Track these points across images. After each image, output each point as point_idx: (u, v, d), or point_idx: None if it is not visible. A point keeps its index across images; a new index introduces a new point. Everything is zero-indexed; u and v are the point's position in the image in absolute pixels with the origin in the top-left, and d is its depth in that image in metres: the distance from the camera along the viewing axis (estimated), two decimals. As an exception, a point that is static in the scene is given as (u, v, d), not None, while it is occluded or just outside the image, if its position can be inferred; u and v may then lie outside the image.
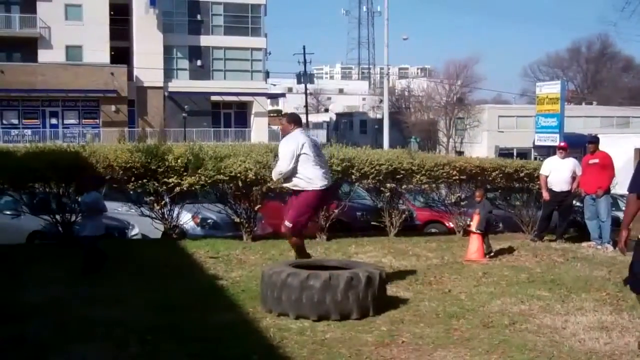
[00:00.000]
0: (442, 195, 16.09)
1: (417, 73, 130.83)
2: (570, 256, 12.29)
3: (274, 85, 74.38)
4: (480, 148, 56.74)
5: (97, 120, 53.78)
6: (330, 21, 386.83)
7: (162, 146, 13.63)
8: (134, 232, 15.01)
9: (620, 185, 16.79)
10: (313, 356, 6.25)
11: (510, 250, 12.92)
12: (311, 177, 9.16)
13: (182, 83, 56.80)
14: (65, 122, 53.44)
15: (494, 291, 9.24)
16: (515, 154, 52.26)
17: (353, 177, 14.17)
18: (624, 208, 22.12)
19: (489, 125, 63.48)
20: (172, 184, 12.83)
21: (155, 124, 54.59)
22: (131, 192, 13.58)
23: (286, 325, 7.24)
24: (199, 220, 15.53)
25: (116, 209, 15.15)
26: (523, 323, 7.52)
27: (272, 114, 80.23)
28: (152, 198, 13.18)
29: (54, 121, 53.10)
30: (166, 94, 56.24)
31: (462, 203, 15.62)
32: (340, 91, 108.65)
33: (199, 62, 58.03)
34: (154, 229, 13.92)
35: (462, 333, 7.10)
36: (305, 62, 75.21)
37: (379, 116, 67.35)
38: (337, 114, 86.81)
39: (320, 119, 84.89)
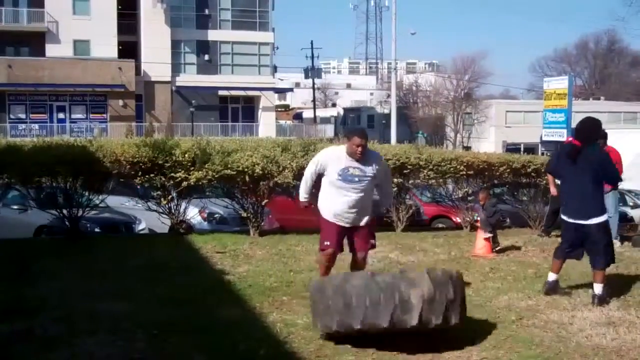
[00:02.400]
0: (449, 190, 16.08)
1: (425, 68, 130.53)
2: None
3: (282, 79, 74.22)
4: (487, 143, 56.62)
5: (105, 115, 53.78)
6: (338, 16, 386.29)
7: (169, 141, 13.65)
8: (141, 226, 15.05)
9: (628, 181, 16.76)
10: (320, 351, 6.25)
11: (517, 245, 12.91)
12: None
13: (190, 77, 56.77)
14: (73, 116, 53.45)
15: (500, 286, 9.24)
16: (522, 149, 52.27)
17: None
18: (631, 203, 22.05)
19: (497, 121, 63.40)
20: (179, 178, 12.84)
21: (162, 118, 54.61)
22: (138, 187, 13.60)
23: (293, 320, 7.24)
24: (206, 215, 15.57)
25: (123, 204, 15.20)
26: (530, 318, 7.51)
27: (279, 109, 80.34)
28: (159, 193, 13.19)
29: (61, 116, 53.12)
30: (174, 88, 56.23)
31: (469, 198, 15.60)
32: (348, 86, 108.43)
33: (206, 57, 57.99)
34: (161, 224, 13.95)
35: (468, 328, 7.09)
36: (312, 57, 75.21)
37: (386, 111, 67.26)
38: (345, 109, 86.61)
39: (327, 113, 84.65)
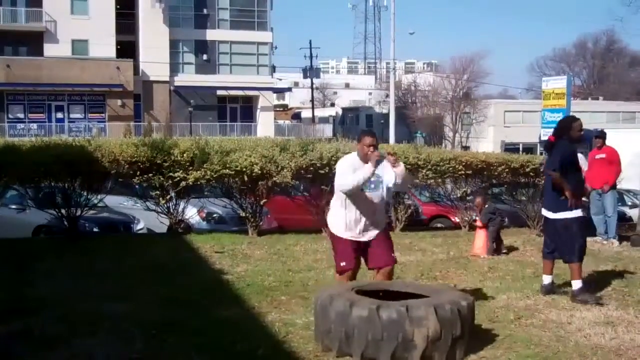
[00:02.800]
0: (448, 190, 16.08)
1: (424, 68, 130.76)
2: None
3: (280, 79, 74.16)
4: (486, 143, 56.60)
5: (103, 115, 53.73)
6: (336, 15, 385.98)
7: (167, 140, 13.65)
8: (140, 226, 15.03)
9: (627, 180, 16.76)
10: (318, 350, 6.25)
11: (515, 245, 12.91)
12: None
13: (188, 77, 56.74)
14: (71, 116, 53.39)
15: (499, 286, 9.24)
16: (521, 149, 52.25)
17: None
18: (629, 203, 21.97)
19: (495, 120, 63.40)
20: (178, 178, 12.84)
21: (161, 118, 54.55)
22: (137, 187, 13.59)
23: (291, 320, 7.24)
24: (204, 215, 15.56)
25: (122, 203, 15.20)
26: (528, 318, 7.51)
27: (278, 109, 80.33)
28: (157, 192, 13.19)
29: (59, 115, 53.06)
30: (172, 88, 56.19)
31: (467, 198, 15.60)
32: (347, 86, 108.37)
33: (205, 57, 57.96)
34: (160, 224, 13.94)
35: (467, 328, 7.08)
36: (311, 57, 75.25)
37: (385, 111, 67.27)
38: (343, 109, 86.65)
39: (326, 113, 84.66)
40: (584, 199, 15.40)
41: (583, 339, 6.75)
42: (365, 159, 7.21)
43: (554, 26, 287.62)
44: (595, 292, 8.57)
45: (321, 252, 11.58)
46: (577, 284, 8.35)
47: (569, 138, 8.53)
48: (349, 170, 7.22)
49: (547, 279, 8.75)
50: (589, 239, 13.63)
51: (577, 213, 8.48)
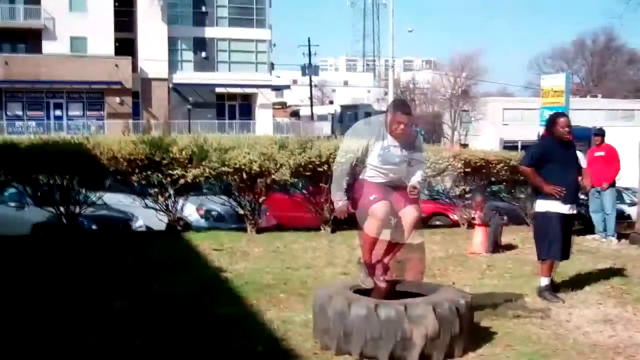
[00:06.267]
0: (446, 187, 16.07)
1: (422, 65, 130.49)
2: (575, 249, 12.19)
3: (279, 77, 74.16)
4: (484, 141, 56.63)
5: (102, 112, 53.66)
6: (335, 13, 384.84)
7: (166, 138, 13.63)
8: (138, 224, 15.03)
9: (625, 178, 16.76)
10: (317, 348, 6.24)
11: (514, 243, 12.90)
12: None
13: (187, 75, 56.70)
14: (70, 113, 53.31)
15: (498, 284, 9.24)
16: (519, 146, 52.16)
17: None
18: (628, 201, 21.98)
19: (494, 118, 63.43)
20: (177, 175, 12.83)
21: (159, 115, 54.47)
22: (135, 184, 13.58)
23: (290, 317, 7.23)
24: (203, 212, 15.56)
25: (120, 201, 15.19)
26: (527, 316, 7.50)
27: (276, 106, 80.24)
28: (156, 190, 13.18)
29: (58, 113, 53.01)
30: (171, 85, 56.13)
31: (466, 195, 15.60)
32: (345, 83, 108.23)
33: (203, 54, 57.91)
34: (158, 221, 13.93)
35: (466, 326, 7.07)
36: (310, 54, 75.13)
37: (383, 108, 67.02)
38: (342, 106, 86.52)
39: (325, 111, 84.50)
40: (582, 196, 15.48)
41: (581, 336, 6.75)
42: (392, 133, 6.40)
43: (553, 24, 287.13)
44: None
45: (320, 250, 11.58)
46: (543, 281, 8.42)
47: (555, 134, 8.53)
48: (371, 138, 6.39)
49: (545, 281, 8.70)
50: (588, 237, 13.72)
51: (538, 207, 8.56)
